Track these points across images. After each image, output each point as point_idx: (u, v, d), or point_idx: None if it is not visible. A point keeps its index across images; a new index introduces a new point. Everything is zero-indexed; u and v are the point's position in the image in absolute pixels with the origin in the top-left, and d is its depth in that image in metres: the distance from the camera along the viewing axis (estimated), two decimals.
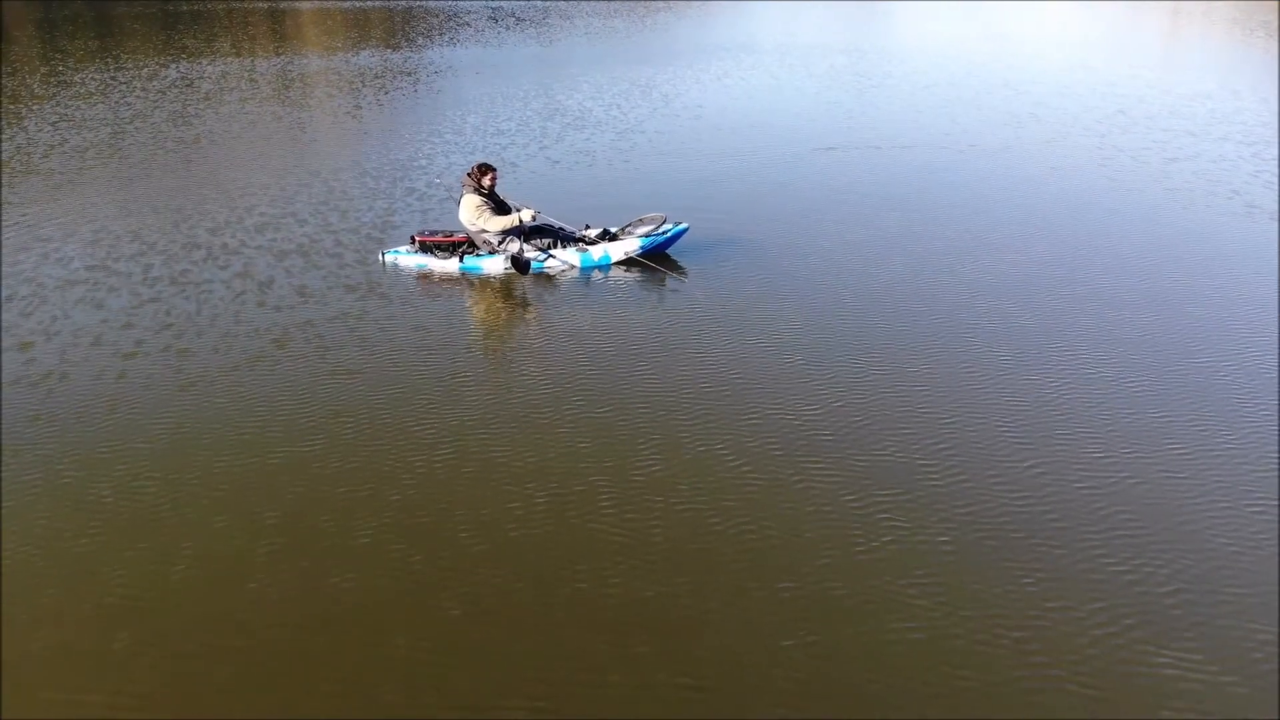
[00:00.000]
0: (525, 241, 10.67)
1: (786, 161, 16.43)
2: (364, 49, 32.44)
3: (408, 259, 10.70)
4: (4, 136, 18.04)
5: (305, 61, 29.31)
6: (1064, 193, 14.36)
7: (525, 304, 10.23)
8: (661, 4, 56.18)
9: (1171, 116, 20.18)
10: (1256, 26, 42.41)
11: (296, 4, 52.22)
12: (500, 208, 10.75)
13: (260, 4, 51.81)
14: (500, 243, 10.65)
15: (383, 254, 10.78)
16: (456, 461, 6.89)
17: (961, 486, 6.51)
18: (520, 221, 10.52)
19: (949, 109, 21.29)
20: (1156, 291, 10.23)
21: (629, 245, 10.85)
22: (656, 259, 10.84)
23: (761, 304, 9.90)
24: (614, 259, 10.83)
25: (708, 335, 9.12)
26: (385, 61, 29.38)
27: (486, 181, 10.59)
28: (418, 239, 10.78)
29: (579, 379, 8.23)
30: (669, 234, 11.03)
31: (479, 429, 7.33)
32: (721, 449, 6.99)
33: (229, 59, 29.32)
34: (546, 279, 10.63)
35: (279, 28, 40.63)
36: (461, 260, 10.62)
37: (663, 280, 10.52)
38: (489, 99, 22.50)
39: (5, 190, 14.15)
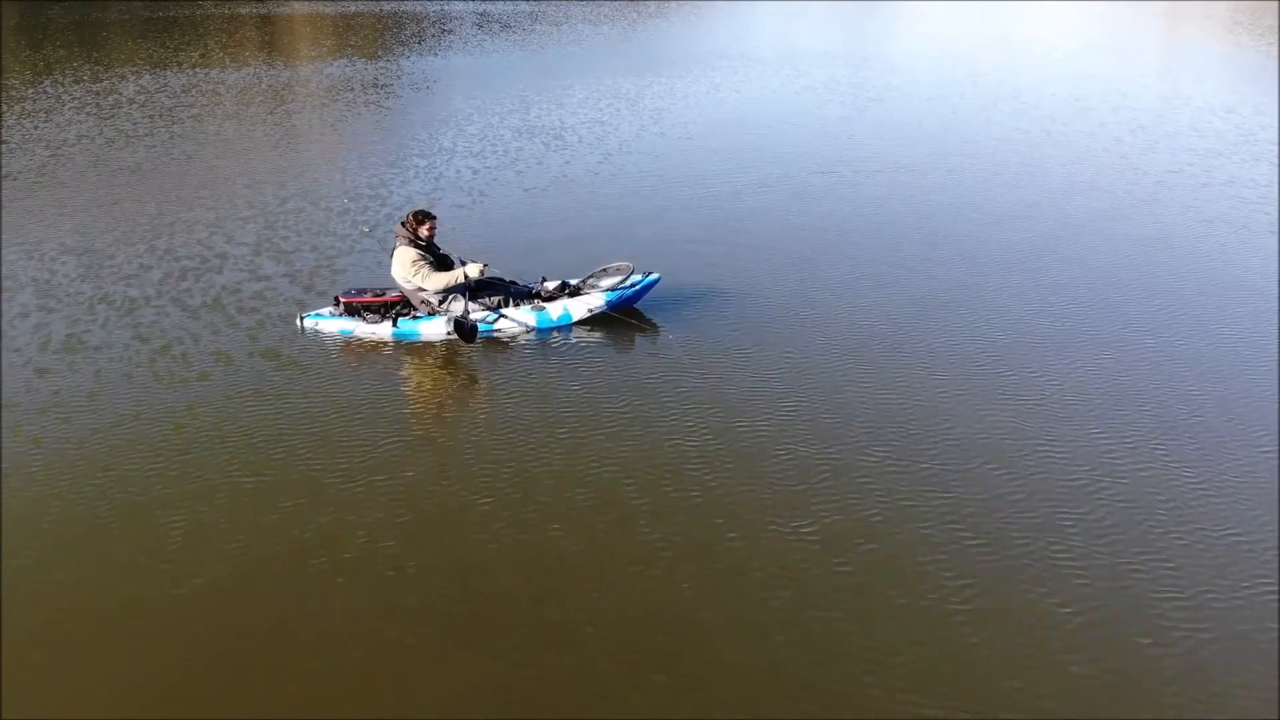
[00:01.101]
0: (471, 300, 9.17)
1: (780, 187, 14.98)
2: (341, 59, 30.94)
3: (331, 324, 9.19)
4: None
5: (275, 73, 27.81)
6: (1086, 222, 12.90)
7: (472, 376, 8.80)
8: (655, 6, 54.66)
9: (1195, 134, 18.69)
10: (1265, 30, 40.88)
11: (277, 9, 50.68)
12: (441, 262, 9.26)
13: (238, 9, 50.29)
14: (441, 303, 9.16)
15: (301, 318, 9.27)
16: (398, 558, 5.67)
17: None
18: (465, 278, 9.03)
19: (956, 126, 19.83)
20: (1197, 336, 9.15)
21: (592, 301, 9.37)
22: (626, 314, 9.45)
23: (750, 364, 8.63)
24: (575, 317, 9.35)
25: (688, 405, 7.89)
26: (360, 72, 27.87)
27: (424, 232, 9.11)
28: (342, 300, 9.27)
29: (538, 464, 7.03)
30: (638, 286, 9.57)
31: (418, 530, 6.20)
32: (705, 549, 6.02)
33: (195, 70, 27.79)
34: (497, 344, 9.16)
35: (251, 35, 39.12)
36: (395, 324, 9.11)
37: (632, 341, 9.05)
38: (464, 114, 21.01)
39: None
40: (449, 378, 8.71)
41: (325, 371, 8.53)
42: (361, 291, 9.35)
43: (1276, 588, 5.58)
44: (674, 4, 57.04)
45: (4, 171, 15.81)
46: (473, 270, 9.00)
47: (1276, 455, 6.99)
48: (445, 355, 8.92)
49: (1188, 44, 39.78)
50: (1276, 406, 7.74)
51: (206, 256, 11.50)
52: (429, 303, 9.17)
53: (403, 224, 9.16)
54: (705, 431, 7.44)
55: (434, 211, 9.44)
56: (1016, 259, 11.53)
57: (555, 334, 9.29)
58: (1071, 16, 49.84)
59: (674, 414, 7.72)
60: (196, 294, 10.27)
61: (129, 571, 5.88)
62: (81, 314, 9.75)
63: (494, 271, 9.41)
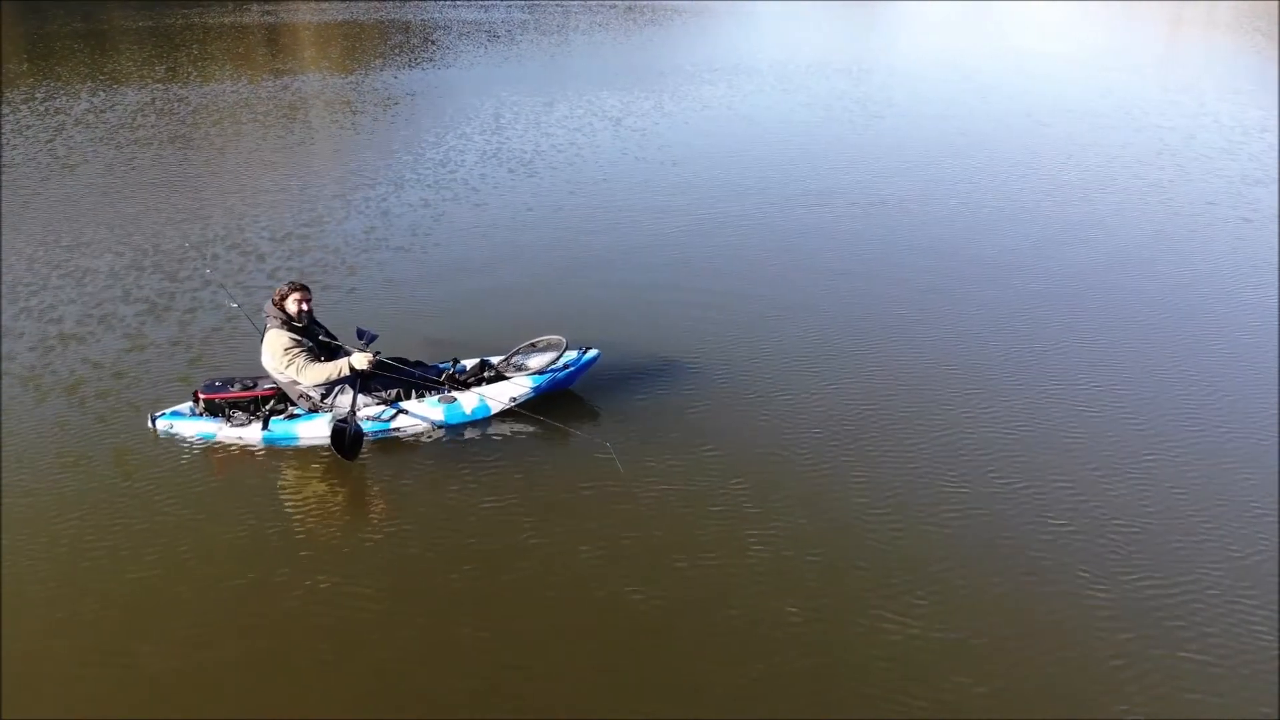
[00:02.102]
0: (363, 392, 7.42)
1: (762, 223, 13.28)
2: (305, 73, 29.19)
3: (189, 425, 7.43)
4: None
5: (244, 89, 26.06)
6: (1117, 267, 11.14)
7: (363, 488, 7.05)
8: (651, 12, 52.96)
9: (1228, 157, 16.90)
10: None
11: (241, 19, 49.15)
12: (322, 348, 7.50)
13: (234, 19, 48.80)
14: (325, 397, 7.41)
15: (153, 418, 7.51)
16: None
17: None
18: (351, 369, 7.27)
19: (965, 149, 18.07)
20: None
21: (515, 388, 7.65)
22: (558, 401, 7.77)
23: (710, 467, 7.01)
24: (494, 409, 7.60)
25: (632, 522, 6.39)
26: (324, 88, 26.13)
27: (291, 308, 7.35)
28: (202, 396, 7.52)
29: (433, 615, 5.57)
30: (571, 368, 7.85)
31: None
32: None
33: (159, 85, 26.11)
34: (396, 446, 7.42)
35: (207, 47, 37.55)
36: (266, 425, 7.35)
37: (561, 440, 7.32)
38: (429, 136, 19.24)
39: None
40: (335, 491, 6.92)
41: (174, 487, 6.81)
42: (228, 384, 7.59)
43: (1277, 587, 5.63)
44: (671, 10, 55.24)
45: None
46: (359, 361, 7.26)
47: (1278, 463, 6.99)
48: (330, 461, 7.17)
49: (1199, 51, 37.82)
50: None
51: (85, 317, 9.80)
52: (308, 397, 7.41)
53: (271, 300, 7.41)
54: (645, 565, 5.92)
55: (307, 282, 7.70)
56: (1033, 314, 9.82)
57: (469, 430, 7.54)
58: (1073, 19, 48.09)
59: (606, 539, 6.20)
60: (57, 366, 8.57)
61: None
62: None
63: (393, 353, 7.69)
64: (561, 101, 23.10)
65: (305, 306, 7.33)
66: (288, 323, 7.29)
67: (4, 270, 11.27)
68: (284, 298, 7.29)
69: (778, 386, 8.29)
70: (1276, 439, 7.41)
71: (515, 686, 5.08)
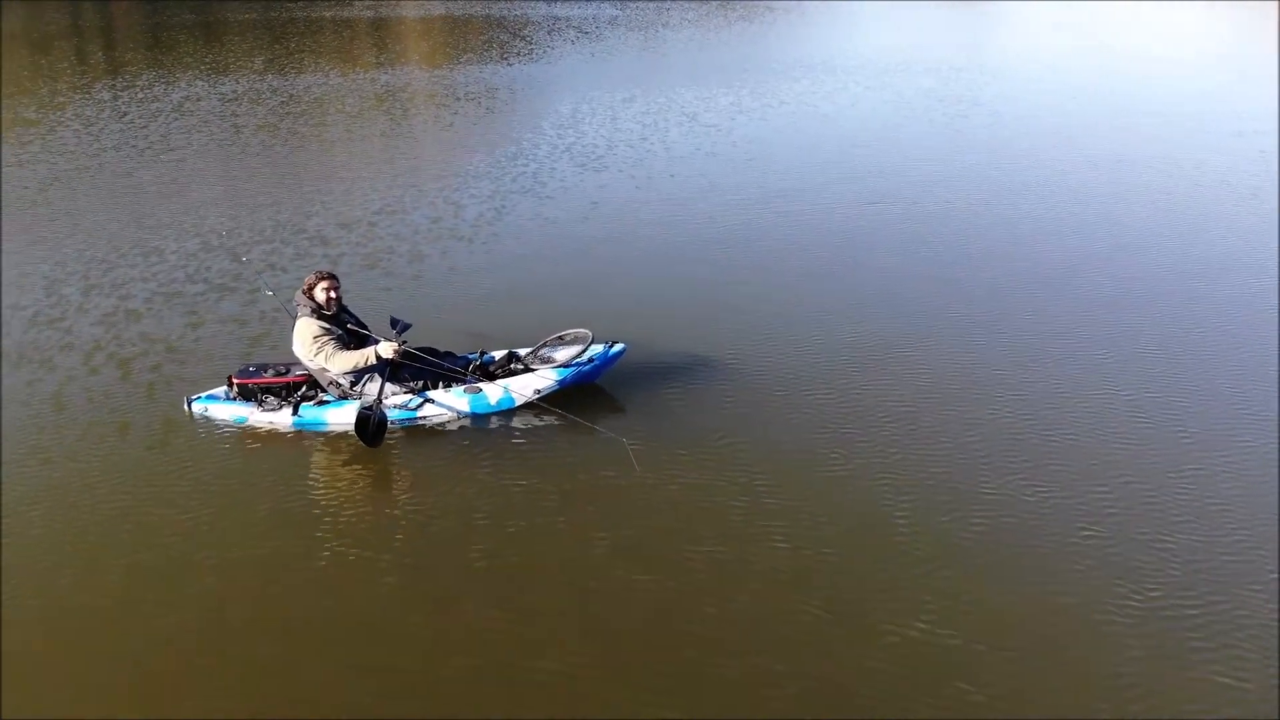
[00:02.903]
0: (391, 380, 7.61)
1: (826, 222, 13.16)
2: (390, 69, 29.81)
3: (223, 409, 7.72)
4: None
5: (336, 81, 26.79)
6: (1195, 275, 10.71)
7: (388, 473, 7.22)
8: (742, 9, 52.68)
9: None
10: None
11: (336, 12, 50.34)
12: (351, 336, 7.71)
13: (336, 13, 50.10)
14: (354, 385, 7.63)
15: (189, 401, 7.82)
16: None
17: None
18: (378, 358, 7.47)
19: (1052, 152, 17.60)
20: None
21: (540, 380, 7.75)
22: (585, 394, 7.86)
23: (730, 464, 6.98)
24: (518, 401, 7.72)
25: (646, 515, 6.44)
26: (410, 82, 26.71)
27: (320, 296, 7.56)
28: (236, 381, 7.80)
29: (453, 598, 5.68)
30: (596, 361, 7.91)
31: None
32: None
33: (256, 75, 26.99)
34: (423, 434, 7.59)
35: (306, 40, 38.54)
36: (296, 411, 7.59)
37: (584, 434, 7.40)
38: (508, 128, 19.59)
39: None
40: (362, 477, 7.12)
41: (210, 465, 7.10)
42: (260, 370, 7.86)
43: (1277, 587, 5.61)
44: (765, 8, 54.87)
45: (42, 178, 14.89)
46: (385, 350, 7.44)
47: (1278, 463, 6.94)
48: (357, 448, 7.36)
49: None
50: None
51: (151, 295, 10.21)
52: (338, 384, 7.63)
53: (302, 290, 7.64)
54: (647, 576, 5.87)
55: (335, 271, 7.89)
56: (1095, 321, 9.52)
57: (494, 420, 7.68)
58: (1199, 21, 46.17)
59: (619, 530, 6.25)
60: (110, 341, 8.99)
61: None
62: None
63: (426, 342, 7.87)
64: (640, 97, 23.19)
65: (334, 295, 7.53)
66: (317, 311, 7.50)
67: (85, 247, 11.84)
68: (313, 287, 7.51)
69: (810, 388, 8.22)
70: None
71: (519, 665, 5.16)
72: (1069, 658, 5.16)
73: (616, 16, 47.21)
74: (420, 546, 6.17)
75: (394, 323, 7.85)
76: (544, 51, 33.25)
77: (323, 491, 6.92)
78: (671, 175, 15.72)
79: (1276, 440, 7.30)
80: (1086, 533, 6.22)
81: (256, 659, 5.23)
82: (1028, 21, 48.90)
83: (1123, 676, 5.01)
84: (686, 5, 54.27)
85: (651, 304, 10.14)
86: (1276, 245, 11.89)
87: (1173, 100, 23.54)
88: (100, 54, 34.45)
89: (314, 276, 7.54)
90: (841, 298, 10.32)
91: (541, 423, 7.63)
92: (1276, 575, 5.78)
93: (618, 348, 8.03)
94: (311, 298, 7.50)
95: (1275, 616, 5.42)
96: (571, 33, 39.29)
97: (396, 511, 6.68)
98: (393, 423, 7.46)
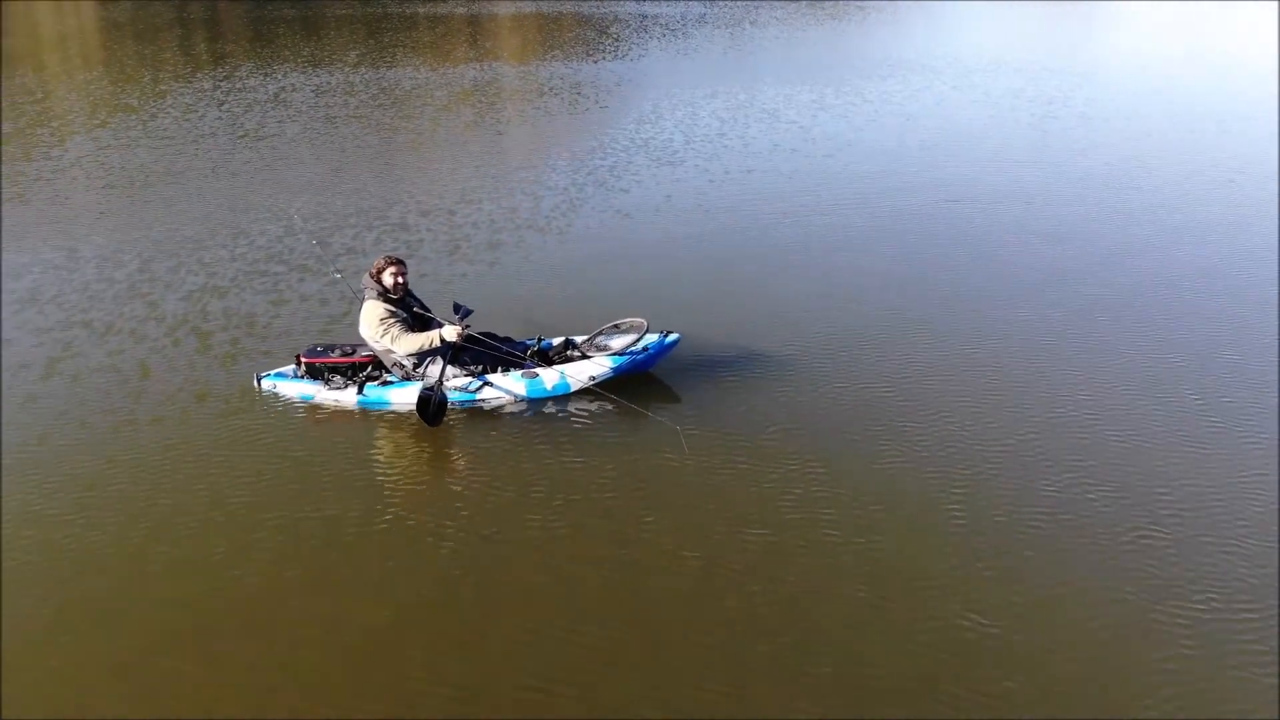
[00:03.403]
0: (452, 363, 7.88)
1: (896, 220, 13.13)
2: (476, 64, 30.34)
3: (291, 386, 8.07)
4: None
5: (426, 75, 27.42)
6: None
7: (446, 451, 7.47)
8: (831, 8, 52.28)
9: None
10: None
11: (468, 10, 51.22)
12: (416, 319, 8.00)
13: (431, 9, 51.08)
14: (417, 366, 7.92)
15: (258, 377, 8.19)
16: None
17: None
18: (442, 340, 7.75)
19: (1134, 156, 17.13)
20: None
21: (595, 367, 7.94)
22: (639, 382, 8.01)
23: (782, 459, 7.03)
24: (574, 387, 7.93)
25: (696, 500, 6.57)
26: (496, 77, 27.19)
27: (388, 281, 7.85)
28: (304, 360, 8.14)
29: (518, 573, 5.88)
30: (650, 350, 8.07)
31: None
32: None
33: (350, 68, 27.77)
34: (482, 415, 7.85)
35: (401, 34, 39.34)
36: (361, 390, 7.91)
37: (639, 420, 7.58)
38: (590, 123, 19.90)
39: None
40: (415, 454, 7.41)
41: (279, 437, 7.47)
42: (328, 350, 8.19)
43: (1277, 588, 5.57)
44: (855, 7, 54.34)
45: (129, 166, 15.65)
46: (449, 333, 7.70)
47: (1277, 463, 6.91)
48: (419, 427, 7.64)
49: None
50: None
51: (237, 274, 10.70)
52: (402, 366, 7.93)
53: (369, 273, 7.95)
54: (694, 553, 6.03)
55: (402, 256, 8.14)
56: (1173, 331, 9.34)
57: (549, 405, 7.90)
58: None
59: (667, 529, 6.30)
60: (193, 315, 9.43)
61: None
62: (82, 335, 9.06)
63: (486, 328, 8.12)
64: (722, 94, 23.28)
65: (401, 279, 7.82)
66: (384, 294, 7.79)
67: (178, 227, 12.43)
68: (381, 270, 7.80)
69: (869, 384, 8.25)
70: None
71: (566, 631, 5.35)
72: (1114, 657, 5.15)
73: (705, 14, 47.30)
74: (475, 517, 6.40)
75: (456, 308, 8.11)
76: (630, 49, 33.51)
77: (384, 465, 7.23)
78: (748, 171, 15.78)
79: None
80: (1143, 535, 6.17)
81: (314, 614, 5.50)
82: (1138, 22, 47.53)
83: (1121, 676, 5.00)
84: (775, 4, 54.09)
85: (714, 297, 10.26)
86: None
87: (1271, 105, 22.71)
88: (203, 45, 35.73)
89: (383, 261, 7.83)
90: (909, 296, 10.28)
91: (596, 408, 7.81)
92: (1277, 573, 5.76)
93: (672, 337, 8.18)
94: (379, 281, 7.78)
95: (1276, 615, 5.40)
96: (659, 30, 39.50)
97: (454, 485, 6.96)
98: (453, 404, 7.72)
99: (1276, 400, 7.94)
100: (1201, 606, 5.50)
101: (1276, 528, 6.23)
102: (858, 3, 57.02)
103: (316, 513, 6.44)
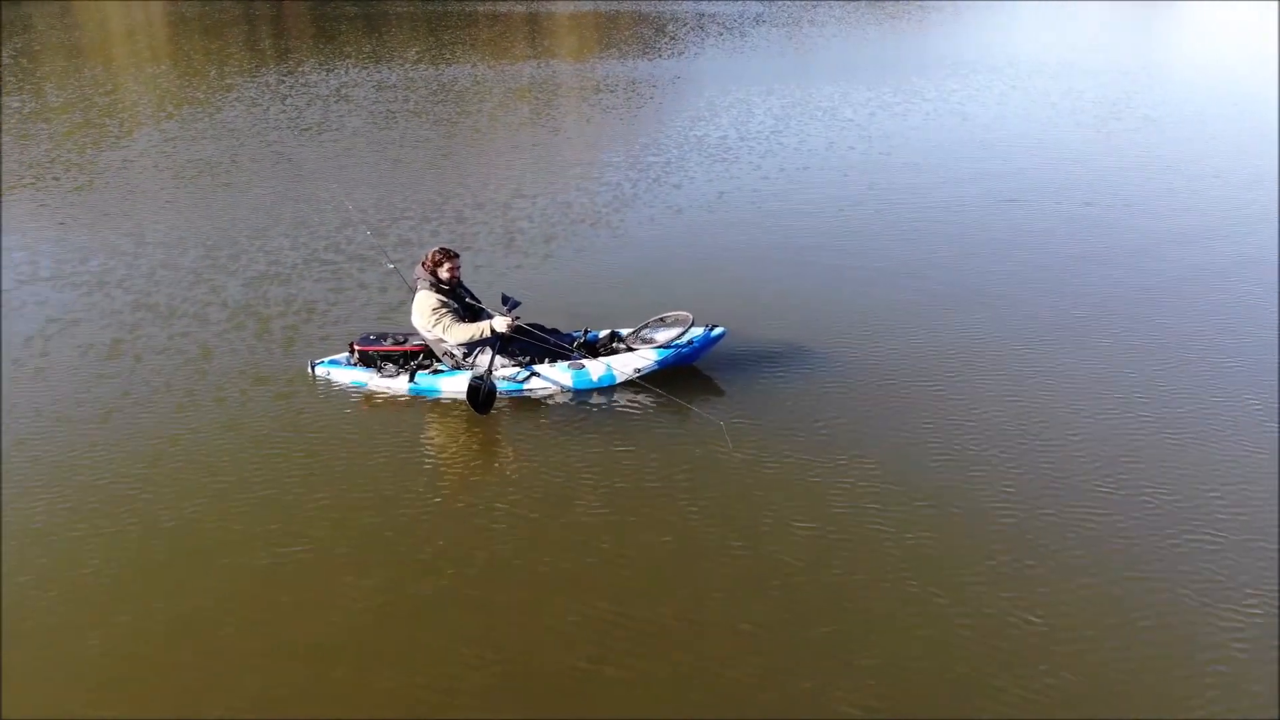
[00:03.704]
0: (501, 353, 8.05)
1: (949, 219, 13.09)
2: (535, 60, 30.61)
3: (344, 373, 8.28)
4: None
5: (485, 72, 27.75)
6: None
7: (493, 438, 7.63)
8: (893, 7, 51.86)
9: None
10: None
11: (527, 8, 51.63)
12: (467, 310, 8.18)
13: (491, 7, 51.56)
14: (467, 356, 8.09)
15: (312, 364, 8.41)
16: None
17: None
18: (492, 331, 7.91)
19: (1194, 158, 16.83)
20: None
21: (640, 360, 8.05)
22: (683, 375, 8.15)
23: (828, 454, 7.09)
24: (619, 379, 8.04)
25: (740, 492, 6.65)
26: (553, 75, 27.40)
27: (444, 274, 8.03)
28: (358, 348, 8.35)
29: (547, 557, 5.99)
30: (695, 344, 8.16)
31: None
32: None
33: (410, 65, 28.19)
34: (528, 404, 8.00)
35: (459, 33, 39.76)
36: (413, 378, 8.10)
37: (682, 413, 7.68)
38: (644, 120, 20.04)
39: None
40: (463, 441, 7.57)
41: (333, 420, 7.69)
42: (380, 338, 8.40)
43: (1277, 588, 5.56)
44: (917, 7, 53.85)
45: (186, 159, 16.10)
46: (499, 324, 7.86)
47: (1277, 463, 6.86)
48: (468, 415, 7.82)
49: None
50: None
51: (297, 262, 11.00)
52: (452, 355, 8.11)
53: (422, 263, 8.14)
54: (741, 542, 6.11)
55: (456, 250, 8.29)
56: (1229, 336, 9.21)
57: (595, 396, 8.03)
58: None
59: (713, 517, 6.39)
60: (259, 300, 9.72)
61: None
62: (122, 318, 9.42)
63: (530, 319, 8.26)
64: (779, 92, 23.29)
65: (452, 273, 8.01)
66: (436, 285, 7.98)
67: (243, 216, 12.78)
68: (438, 264, 7.97)
69: (917, 383, 8.23)
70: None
71: (611, 619, 5.44)
72: (1162, 657, 5.14)
73: (762, 13, 47.20)
74: (524, 501, 6.54)
75: (505, 299, 8.26)
76: (687, 47, 33.60)
77: (435, 449, 7.43)
78: (803, 169, 15.81)
79: None
80: (1194, 536, 6.13)
81: (366, 588, 5.68)
82: (1206, 23, 46.55)
83: (1122, 676, 4.99)
84: (834, 3, 53.78)
85: (762, 293, 10.31)
86: None
87: None
88: (268, 42, 36.45)
89: (438, 253, 8.01)
90: (959, 296, 10.24)
91: (641, 400, 7.92)
92: (1277, 574, 5.75)
93: (718, 331, 8.26)
94: (433, 273, 7.96)
95: (1276, 615, 5.39)
96: (716, 29, 39.52)
97: (503, 470, 7.14)
98: (500, 393, 7.88)
99: None
100: (1254, 609, 5.45)
101: (1277, 520, 6.23)
102: (918, 2, 56.50)
103: (370, 492, 6.63)
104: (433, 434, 7.62)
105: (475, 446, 7.49)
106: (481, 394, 7.55)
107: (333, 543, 6.10)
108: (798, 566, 5.84)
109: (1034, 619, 5.39)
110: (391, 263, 9.25)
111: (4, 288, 10.33)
